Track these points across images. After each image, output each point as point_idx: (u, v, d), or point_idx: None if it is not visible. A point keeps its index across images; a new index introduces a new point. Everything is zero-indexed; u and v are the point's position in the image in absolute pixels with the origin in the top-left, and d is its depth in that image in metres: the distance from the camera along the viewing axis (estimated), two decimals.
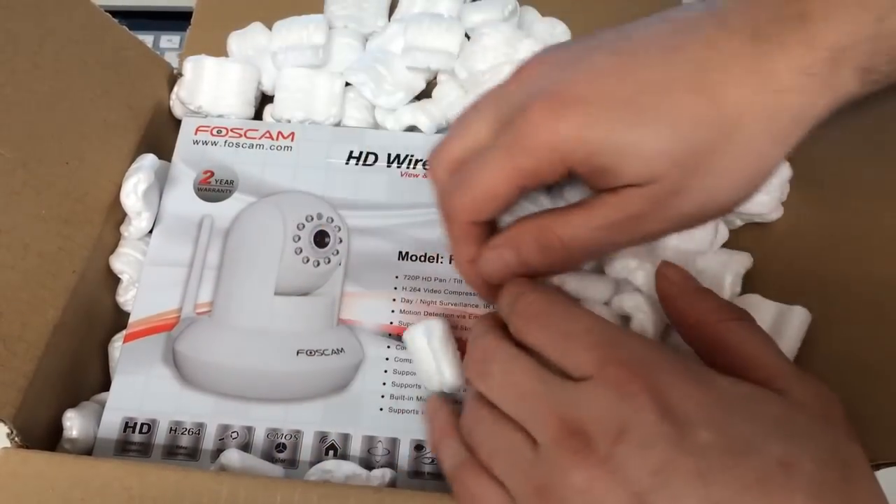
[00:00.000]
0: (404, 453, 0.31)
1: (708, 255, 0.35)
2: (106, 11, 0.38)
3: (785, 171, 0.36)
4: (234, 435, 0.32)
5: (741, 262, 0.35)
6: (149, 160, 0.37)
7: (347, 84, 0.41)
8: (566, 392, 0.23)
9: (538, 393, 0.23)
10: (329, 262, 0.35)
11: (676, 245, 0.35)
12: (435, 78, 0.42)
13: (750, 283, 0.36)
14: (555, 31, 0.42)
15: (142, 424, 0.32)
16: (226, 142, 0.39)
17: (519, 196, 0.27)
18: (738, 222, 0.38)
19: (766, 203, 0.36)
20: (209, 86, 0.39)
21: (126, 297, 0.36)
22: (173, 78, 0.42)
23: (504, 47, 0.38)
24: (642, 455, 0.21)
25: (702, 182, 0.25)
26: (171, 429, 0.32)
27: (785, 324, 0.31)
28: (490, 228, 0.29)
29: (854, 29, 0.23)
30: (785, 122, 0.24)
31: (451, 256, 0.35)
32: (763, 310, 0.32)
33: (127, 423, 0.32)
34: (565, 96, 0.25)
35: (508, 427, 0.24)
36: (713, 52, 0.25)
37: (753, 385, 0.23)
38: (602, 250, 0.28)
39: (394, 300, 0.35)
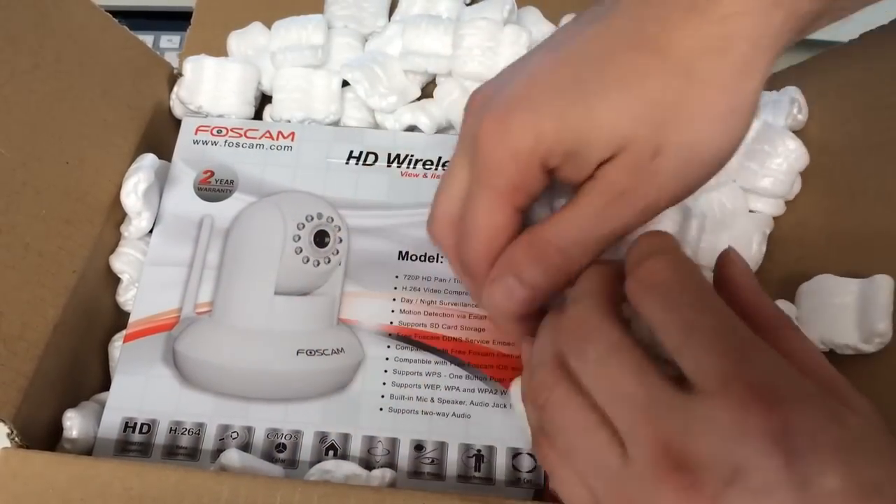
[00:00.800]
0: (404, 453, 0.31)
1: (734, 221, 0.36)
2: (106, 11, 0.38)
3: (800, 162, 0.36)
4: (234, 435, 0.32)
5: (764, 222, 0.36)
6: (149, 160, 0.37)
7: (347, 84, 0.41)
8: (675, 408, 0.20)
9: (639, 401, 0.20)
10: (329, 261, 0.35)
11: None
12: (433, 80, 0.42)
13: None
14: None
15: (142, 424, 0.32)
16: (226, 142, 0.39)
17: (521, 219, 0.26)
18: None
19: (769, 181, 0.36)
20: (209, 86, 0.39)
21: (126, 296, 0.36)
22: (173, 78, 0.42)
23: (487, 42, 0.38)
24: (757, 502, 0.18)
25: (677, 134, 0.23)
26: (171, 429, 0.32)
27: (871, 295, 0.30)
28: None
29: None
30: (742, 49, 0.23)
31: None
32: (843, 287, 0.31)
33: (127, 423, 0.32)
34: (509, 103, 0.24)
35: (594, 420, 0.21)
36: (646, 7, 0.24)
37: (872, 417, 0.20)
38: (601, 244, 0.26)
39: (394, 300, 0.35)
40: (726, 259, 0.25)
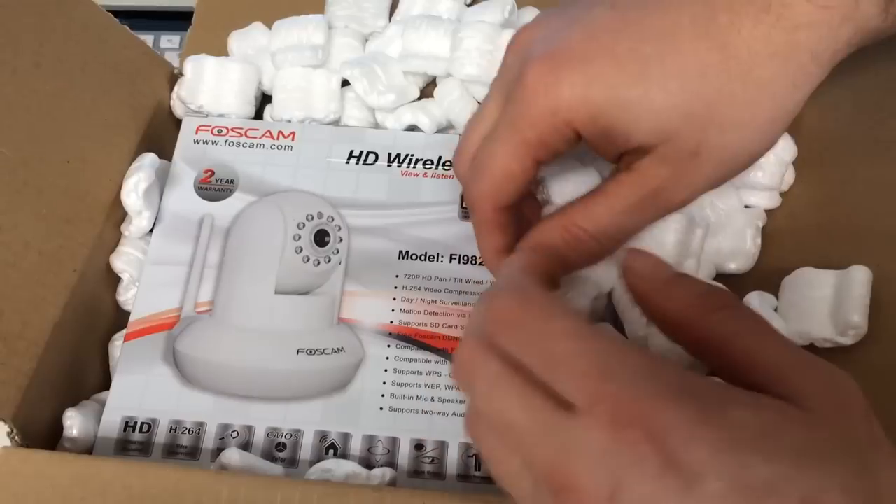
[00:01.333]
0: (404, 452, 0.31)
1: (729, 220, 0.36)
2: (107, 11, 0.38)
3: (788, 153, 0.36)
4: (235, 434, 0.32)
5: (756, 216, 0.36)
6: (149, 159, 0.37)
7: (348, 84, 0.41)
8: (555, 430, 0.19)
9: (525, 427, 0.20)
10: (329, 261, 0.35)
11: None
12: (433, 81, 0.42)
13: (747, 277, 0.36)
14: None
15: (142, 424, 0.32)
16: (226, 141, 0.39)
17: (537, 170, 0.26)
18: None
19: (760, 174, 0.36)
20: (210, 85, 0.40)
21: (126, 295, 0.36)
22: (174, 77, 0.42)
23: (486, 45, 0.38)
24: None
25: (719, 137, 0.23)
26: (171, 428, 0.32)
27: (847, 287, 0.30)
28: (515, 213, 0.28)
29: None
30: (802, 61, 0.23)
31: (462, 255, 0.36)
32: (821, 280, 0.31)
33: (127, 422, 0.32)
34: (561, 56, 0.24)
35: (506, 449, 0.21)
36: None
37: (772, 406, 0.19)
38: (634, 230, 0.27)
39: (394, 299, 0.35)
40: (625, 270, 0.25)
